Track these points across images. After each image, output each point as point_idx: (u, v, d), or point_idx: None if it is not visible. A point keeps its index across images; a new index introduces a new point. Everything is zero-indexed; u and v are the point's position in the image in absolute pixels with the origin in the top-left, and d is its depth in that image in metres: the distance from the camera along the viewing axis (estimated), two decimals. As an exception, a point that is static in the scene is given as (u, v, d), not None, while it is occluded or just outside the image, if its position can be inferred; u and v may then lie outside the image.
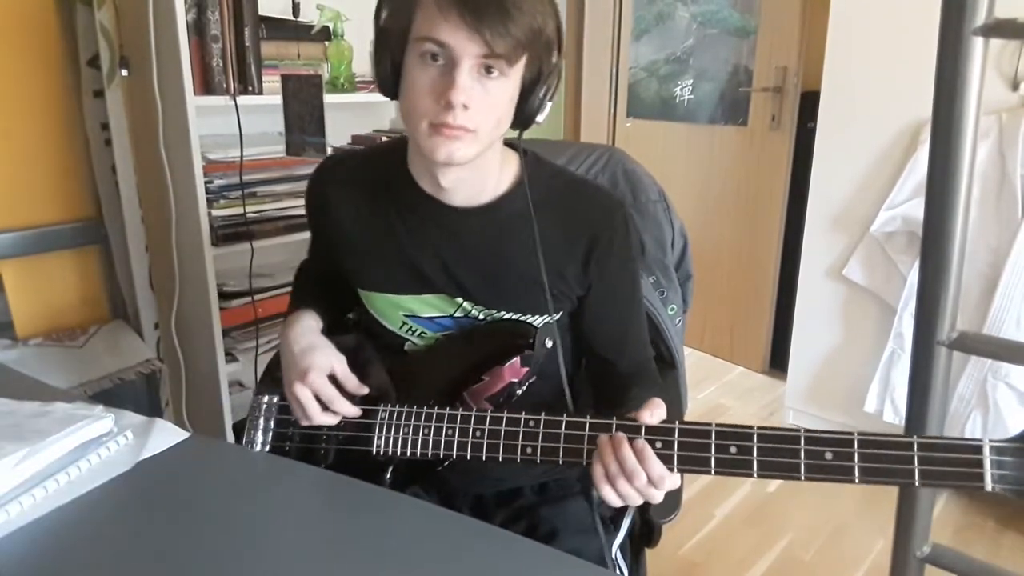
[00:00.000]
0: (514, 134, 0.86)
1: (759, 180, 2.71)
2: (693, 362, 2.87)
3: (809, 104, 2.42)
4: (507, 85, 0.78)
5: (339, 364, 0.89)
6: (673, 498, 0.95)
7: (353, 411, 0.87)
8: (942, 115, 0.75)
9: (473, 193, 0.87)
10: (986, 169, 1.84)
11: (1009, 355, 0.96)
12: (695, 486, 2.11)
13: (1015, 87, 1.83)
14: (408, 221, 0.90)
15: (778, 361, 2.76)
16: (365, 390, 0.90)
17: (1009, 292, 1.82)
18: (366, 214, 0.92)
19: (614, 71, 3.12)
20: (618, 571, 0.97)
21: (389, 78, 0.81)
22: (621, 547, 0.99)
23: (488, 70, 0.76)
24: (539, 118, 0.83)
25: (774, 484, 2.13)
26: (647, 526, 1.06)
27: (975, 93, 0.73)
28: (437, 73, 0.76)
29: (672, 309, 1.16)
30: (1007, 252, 1.82)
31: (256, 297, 1.87)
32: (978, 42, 0.72)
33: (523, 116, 0.82)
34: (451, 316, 0.93)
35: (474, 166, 0.83)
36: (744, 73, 2.69)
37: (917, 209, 1.95)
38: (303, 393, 0.85)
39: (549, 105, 0.83)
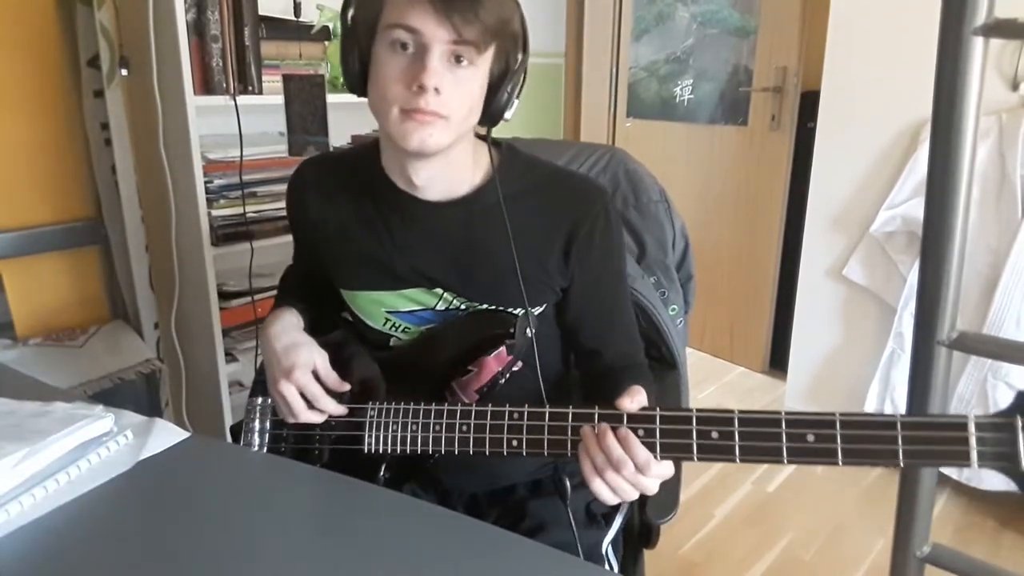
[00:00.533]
0: (483, 130, 0.87)
1: (759, 180, 2.71)
2: (693, 362, 2.87)
3: (809, 104, 2.42)
4: (476, 74, 0.79)
5: (321, 361, 0.89)
6: (671, 498, 0.95)
7: (338, 409, 0.87)
8: (942, 115, 0.75)
9: (448, 187, 0.88)
10: (986, 169, 1.84)
11: (1009, 355, 0.96)
12: (695, 486, 2.11)
13: (1015, 87, 1.83)
14: (385, 218, 0.90)
15: (778, 361, 2.76)
16: (347, 387, 0.89)
17: (1009, 292, 1.82)
18: (344, 214, 0.93)
19: (614, 71, 3.12)
20: (608, 566, 0.97)
21: (357, 73, 0.81)
22: (613, 543, 0.99)
23: (458, 59, 0.77)
24: (507, 115, 0.84)
25: (774, 484, 2.13)
26: (645, 527, 1.06)
27: (975, 93, 0.73)
28: (407, 60, 0.76)
29: (673, 310, 1.16)
30: (1007, 252, 1.82)
31: (256, 297, 1.87)
32: (978, 42, 0.72)
33: (491, 111, 0.83)
34: (433, 309, 0.93)
35: (446, 161, 0.83)
36: (744, 73, 2.69)
37: (917, 209, 1.96)
38: (288, 391, 0.85)
39: (516, 102, 0.84)
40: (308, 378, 0.86)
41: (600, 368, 0.96)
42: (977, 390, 1.88)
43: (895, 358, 2.09)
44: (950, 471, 1.97)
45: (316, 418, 0.87)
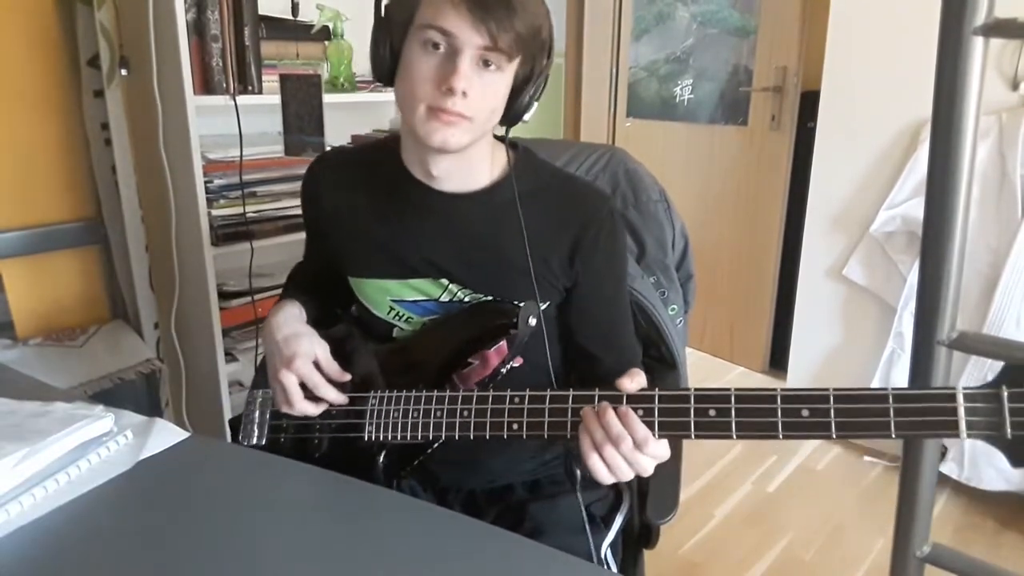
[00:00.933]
0: (501, 130, 0.89)
1: (759, 180, 2.71)
2: (693, 362, 2.87)
3: (809, 104, 2.42)
4: (503, 78, 0.81)
5: (322, 351, 0.90)
6: (671, 498, 0.95)
7: (339, 398, 0.88)
8: (942, 115, 0.75)
9: (464, 181, 0.89)
10: (986, 169, 1.84)
11: (1009, 355, 0.95)
12: (695, 486, 2.11)
13: (1015, 87, 1.83)
14: (400, 208, 0.92)
15: (778, 361, 2.76)
16: (348, 376, 0.90)
17: (1009, 292, 1.82)
18: (358, 204, 0.94)
19: (614, 71, 3.12)
20: (607, 568, 0.97)
21: (387, 63, 0.83)
22: (612, 545, 0.99)
23: (486, 63, 0.79)
24: (526, 116, 0.86)
25: (774, 484, 2.13)
26: (645, 527, 1.06)
27: (975, 93, 0.73)
28: (438, 61, 0.78)
29: (673, 309, 1.16)
30: (1007, 252, 1.82)
31: (256, 297, 1.87)
32: (978, 42, 0.72)
33: (512, 113, 0.85)
34: (437, 300, 0.94)
35: (464, 155, 0.85)
36: (744, 73, 2.69)
37: (917, 209, 1.96)
38: (288, 379, 0.86)
39: (536, 105, 0.86)
40: (309, 367, 0.87)
41: (598, 373, 0.96)
42: (977, 390, 1.88)
43: (895, 358, 2.09)
44: (950, 471, 1.97)
45: (312, 409, 0.88)
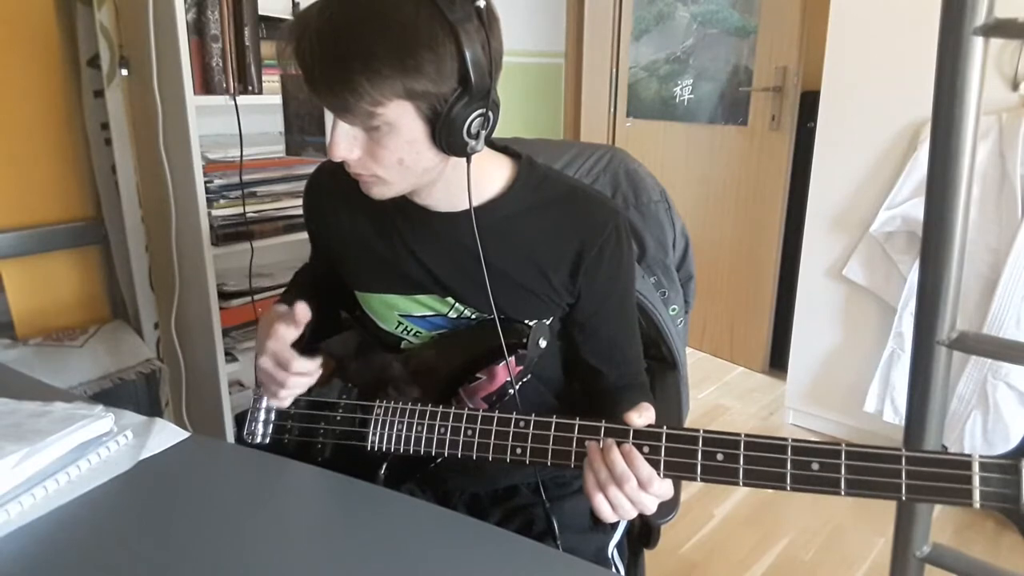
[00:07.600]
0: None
1: (759, 180, 2.71)
2: (693, 362, 2.87)
3: (809, 104, 2.42)
4: (392, 131, 0.74)
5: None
6: (671, 498, 0.95)
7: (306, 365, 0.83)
8: (942, 115, 0.75)
9: (455, 201, 0.86)
10: (986, 169, 1.84)
11: (1009, 355, 0.96)
12: (694, 486, 2.11)
13: (1015, 87, 1.83)
14: (397, 225, 0.91)
15: (778, 361, 2.76)
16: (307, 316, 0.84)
17: (1009, 292, 1.82)
18: (359, 218, 0.93)
19: (614, 71, 3.12)
20: (614, 570, 0.97)
21: None
22: (618, 546, 0.99)
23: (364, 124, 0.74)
24: (476, 145, 0.77)
25: (774, 484, 2.13)
26: (645, 527, 1.06)
27: (975, 93, 0.73)
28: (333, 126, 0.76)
29: (674, 310, 1.16)
30: (1007, 252, 1.82)
31: (256, 297, 1.87)
32: (978, 42, 0.72)
33: (445, 146, 0.76)
34: (445, 316, 0.93)
35: (443, 182, 0.83)
36: (744, 73, 2.69)
37: (917, 209, 1.96)
38: (266, 363, 0.82)
39: (484, 133, 0.77)
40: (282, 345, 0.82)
41: (600, 386, 0.96)
42: (977, 390, 1.88)
43: (895, 358, 2.09)
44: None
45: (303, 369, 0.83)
